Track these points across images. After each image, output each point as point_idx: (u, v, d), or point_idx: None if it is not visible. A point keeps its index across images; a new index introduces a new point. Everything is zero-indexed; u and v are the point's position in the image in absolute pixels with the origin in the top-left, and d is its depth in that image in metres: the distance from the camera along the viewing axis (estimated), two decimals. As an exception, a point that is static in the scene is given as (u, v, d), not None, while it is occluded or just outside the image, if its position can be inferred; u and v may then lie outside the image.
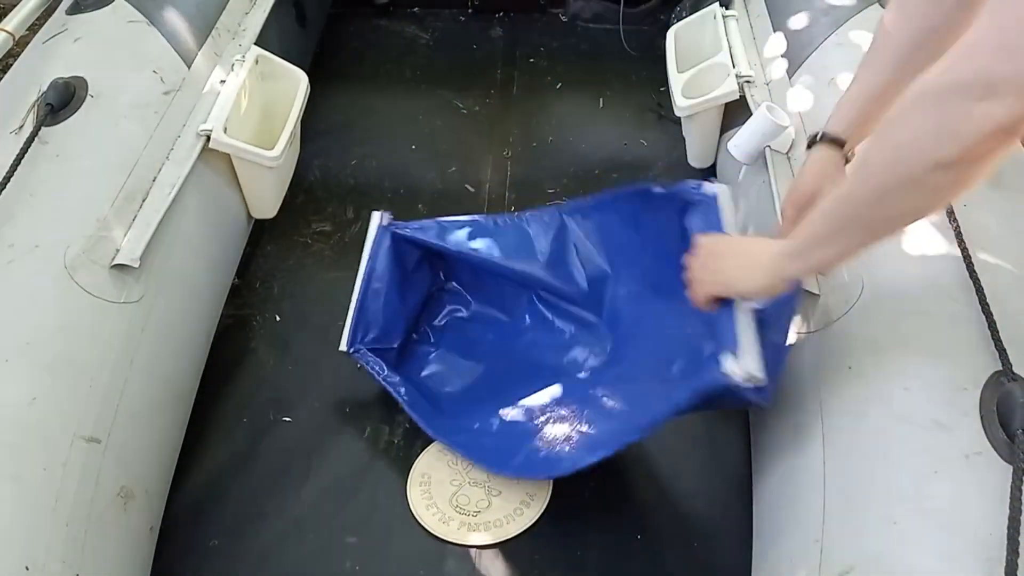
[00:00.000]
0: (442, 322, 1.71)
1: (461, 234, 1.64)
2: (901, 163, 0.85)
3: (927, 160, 0.83)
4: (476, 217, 1.67)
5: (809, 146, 1.29)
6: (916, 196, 0.87)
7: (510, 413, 1.52)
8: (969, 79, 0.78)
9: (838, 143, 1.23)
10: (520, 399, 1.53)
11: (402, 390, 1.51)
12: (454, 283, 1.73)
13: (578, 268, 1.63)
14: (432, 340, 1.67)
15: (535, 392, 1.54)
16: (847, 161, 1.24)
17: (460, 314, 1.71)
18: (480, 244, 1.64)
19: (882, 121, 0.89)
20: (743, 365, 1.13)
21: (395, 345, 1.60)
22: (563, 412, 1.48)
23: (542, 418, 1.49)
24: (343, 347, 1.55)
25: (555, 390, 1.53)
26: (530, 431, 1.47)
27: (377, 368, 1.53)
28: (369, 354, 1.54)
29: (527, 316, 1.68)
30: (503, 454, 1.45)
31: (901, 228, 0.93)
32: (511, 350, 1.65)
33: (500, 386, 1.58)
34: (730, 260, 1.18)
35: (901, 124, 0.86)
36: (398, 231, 1.63)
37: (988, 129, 0.78)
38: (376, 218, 1.65)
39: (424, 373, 1.62)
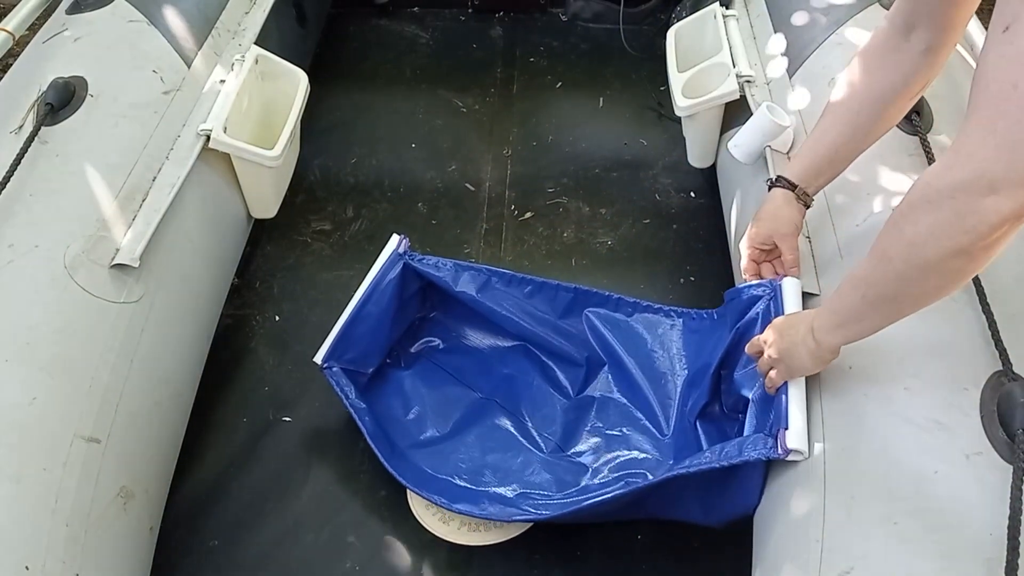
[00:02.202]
0: (416, 350, 1.67)
1: (475, 282, 1.60)
2: (918, 254, 0.90)
3: (943, 250, 0.87)
4: (494, 268, 1.62)
5: (770, 188, 1.37)
6: (936, 279, 0.92)
7: (471, 462, 1.50)
8: (972, 179, 0.82)
9: (793, 186, 1.34)
10: (481, 449, 1.51)
11: (366, 419, 1.48)
12: (438, 313, 1.69)
13: (578, 347, 1.61)
14: (403, 365, 1.64)
15: (495, 445, 1.52)
16: (805, 204, 1.35)
17: (435, 344, 1.68)
18: (491, 296, 1.60)
19: (891, 216, 0.94)
20: (789, 439, 1.15)
21: (369, 371, 1.57)
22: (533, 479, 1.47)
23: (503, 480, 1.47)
24: (318, 359, 1.53)
25: (526, 458, 1.51)
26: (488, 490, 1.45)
27: (347, 391, 1.50)
28: (342, 375, 1.51)
29: (509, 364, 1.63)
30: (465, 499, 1.42)
31: (928, 304, 0.98)
32: (483, 389, 1.61)
33: (464, 424, 1.56)
34: (784, 342, 1.19)
35: (914, 219, 0.89)
36: (411, 262, 1.59)
37: (997, 221, 0.82)
38: (394, 242, 1.60)
39: (389, 396, 1.59)
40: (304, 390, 1.64)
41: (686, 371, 1.53)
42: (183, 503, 1.47)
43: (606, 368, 1.60)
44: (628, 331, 1.59)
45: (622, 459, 1.48)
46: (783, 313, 1.29)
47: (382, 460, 1.44)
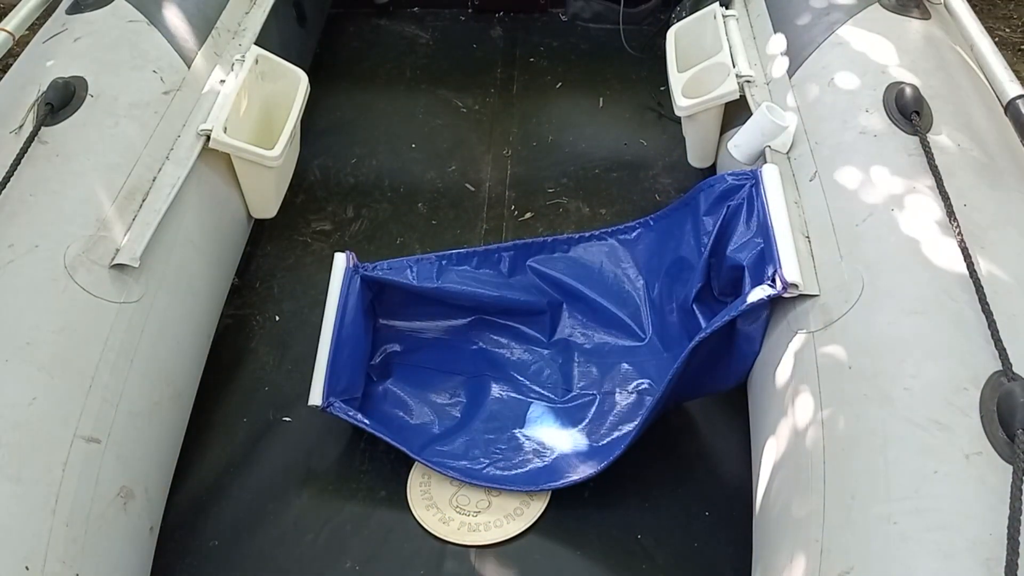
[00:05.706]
0: (379, 360, 1.66)
1: (431, 271, 1.64)
2: None
3: None
4: (440, 252, 1.69)
5: None
6: None
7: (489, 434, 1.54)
8: None
9: None
10: (504, 423, 1.55)
11: (398, 437, 1.50)
12: (382, 321, 1.68)
13: (536, 297, 1.68)
14: (375, 379, 1.63)
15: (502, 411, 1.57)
16: None
17: (395, 349, 1.67)
18: (448, 278, 1.64)
19: None
20: (787, 273, 1.28)
21: (359, 394, 1.56)
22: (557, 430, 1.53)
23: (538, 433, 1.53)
24: (315, 402, 1.49)
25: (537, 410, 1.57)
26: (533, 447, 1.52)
27: (361, 419, 1.49)
28: (346, 407, 1.50)
29: (473, 338, 1.67)
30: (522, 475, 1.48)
31: None
32: (466, 369, 1.64)
33: (471, 407, 1.59)
34: None
35: None
36: (367, 273, 1.60)
37: None
38: (340, 260, 1.61)
39: (386, 409, 1.59)
40: (304, 390, 1.63)
41: (641, 280, 1.68)
42: (183, 503, 1.47)
43: (565, 306, 1.69)
44: (573, 264, 1.71)
45: (621, 374, 1.59)
46: (765, 198, 1.41)
47: (444, 471, 1.47)
